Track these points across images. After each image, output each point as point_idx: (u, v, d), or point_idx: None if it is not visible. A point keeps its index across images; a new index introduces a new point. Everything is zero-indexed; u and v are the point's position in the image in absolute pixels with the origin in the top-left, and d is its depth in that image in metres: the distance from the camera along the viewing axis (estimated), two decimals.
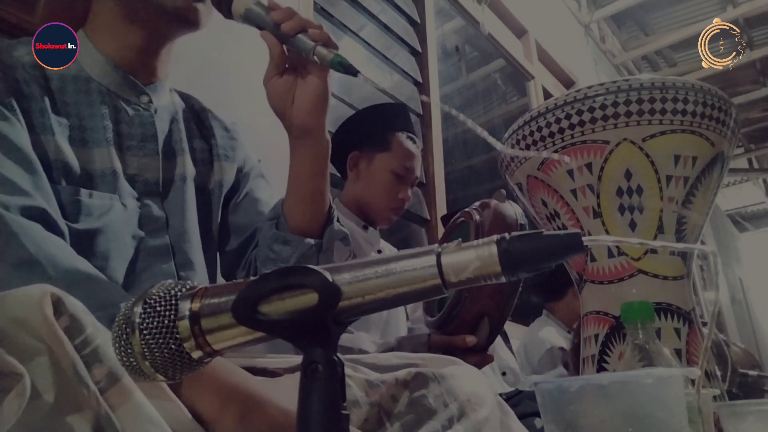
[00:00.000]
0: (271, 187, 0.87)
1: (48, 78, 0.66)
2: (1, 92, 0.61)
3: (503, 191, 1.06)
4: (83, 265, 0.55)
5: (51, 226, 0.58)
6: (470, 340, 0.97)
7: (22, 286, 0.45)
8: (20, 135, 0.60)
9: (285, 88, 0.68)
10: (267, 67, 0.68)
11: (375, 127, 1.34)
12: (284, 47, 0.66)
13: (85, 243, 0.62)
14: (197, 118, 0.82)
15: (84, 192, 0.63)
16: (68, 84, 0.68)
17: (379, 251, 1.39)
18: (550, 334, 1.98)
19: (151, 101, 0.74)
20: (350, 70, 0.61)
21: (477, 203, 1.06)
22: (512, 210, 1.01)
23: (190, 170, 0.76)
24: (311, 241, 0.73)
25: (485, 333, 0.98)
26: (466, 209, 1.08)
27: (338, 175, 1.43)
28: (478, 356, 1.00)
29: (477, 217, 1.02)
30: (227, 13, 0.67)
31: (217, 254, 0.83)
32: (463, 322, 0.99)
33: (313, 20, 1.70)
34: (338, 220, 0.77)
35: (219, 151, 0.81)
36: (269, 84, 0.69)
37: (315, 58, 0.63)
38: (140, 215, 0.68)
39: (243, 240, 0.81)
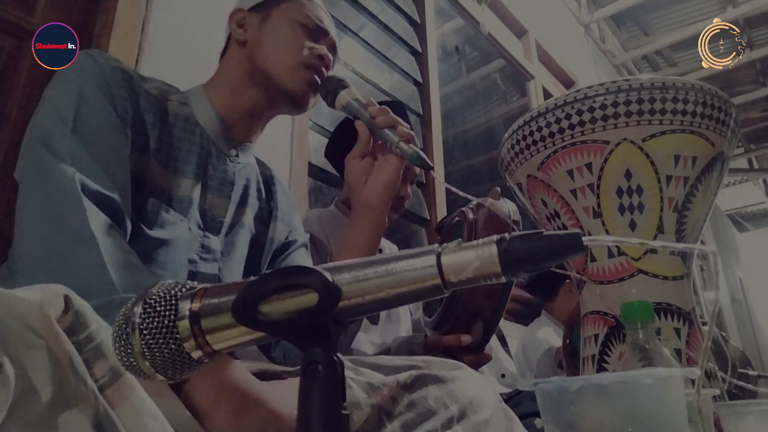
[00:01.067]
0: (310, 259, 0.99)
1: (165, 112, 0.78)
2: (123, 108, 0.71)
3: (498, 189, 1.06)
4: (132, 256, 0.60)
5: (118, 220, 0.64)
6: (465, 339, 0.98)
7: (77, 256, 0.54)
8: (122, 143, 0.70)
9: (363, 169, 0.83)
10: (353, 149, 0.83)
11: None
12: (372, 137, 0.81)
13: (151, 249, 0.69)
14: (266, 183, 0.94)
15: (164, 207, 0.73)
16: (179, 121, 0.79)
17: (380, 250, 1.39)
18: (548, 334, 1.98)
19: (237, 156, 0.85)
20: (425, 165, 0.75)
21: (473, 202, 1.06)
22: (506, 207, 1.01)
23: (250, 221, 0.86)
24: None
25: (480, 332, 0.99)
26: (462, 208, 1.08)
27: (338, 175, 1.44)
28: (474, 355, 1.00)
29: (471, 216, 1.02)
30: (331, 104, 0.83)
31: None
32: (458, 321, 0.99)
33: None
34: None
35: (278, 214, 0.92)
36: (351, 162, 0.83)
37: (397, 150, 0.77)
38: (201, 243, 0.77)
39: None
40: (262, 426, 0.49)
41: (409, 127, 0.80)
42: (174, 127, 0.78)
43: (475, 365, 1.01)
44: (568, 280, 1.95)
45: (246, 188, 0.87)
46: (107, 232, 0.59)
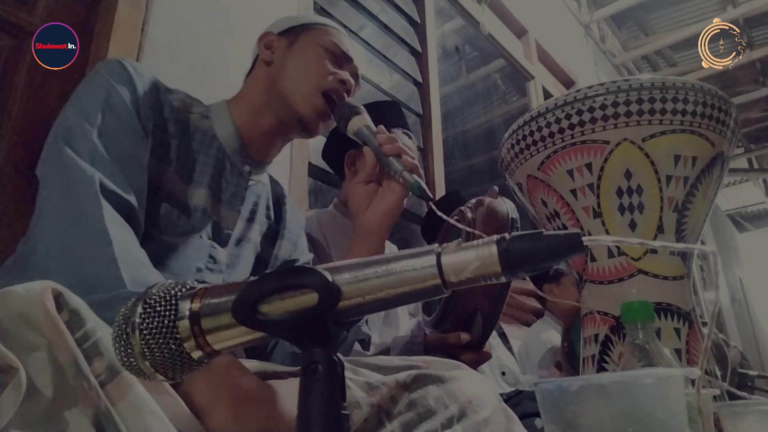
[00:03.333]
0: None
1: (186, 124, 0.81)
2: (146, 116, 0.74)
3: (496, 188, 1.06)
4: (142, 256, 0.61)
5: (132, 221, 0.66)
6: (464, 337, 0.98)
7: (90, 251, 0.57)
8: (142, 149, 0.73)
9: (366, 194, 0.85)
10: (359, 174, 0.86)
11: None
12: (378, 163, 0.83)
13: (162, 253, 0.71)
14: (277, 202, 0.96)
15: (177, 213, 0.75)
16: (198, 133, 0.82)
17: None
18: (551, 335, 1.98)
19: (251, 173, 0.88)
20: (425, 196, 0.76)
21: (472, 201, 1.06)
22: (504, 207, 1.01)
23: (256, 237, 0.88)
24: None
25: (479, 330, 0.99)
26: (461, 207, 1.09)
27: (337, 176, 1.44)
28: (474, 354, 1.00)
29: (469, 215, 1.02)
30: (343, 129, 0.85)
31: None
32: (457, 320, 0.99)
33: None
34: (366, 322, 0.88)
35: (285, 233, 0.94)
36: (356, 187, 0.85)
37: (400, 179, 0.79)
38: (209, 253, 0.79)
39: None
40: (261, 425, 0.49)
41: (415, 158, 0.83)
42: (193, 139, 0.81)
43: (475, 364, 1.01)
44: (564, 276, 1.94)
45: (255, 205, 0.89)
46: (121, 231, 0.61)
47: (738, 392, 0.78)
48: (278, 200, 0.97)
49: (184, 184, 0.78)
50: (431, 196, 0.77)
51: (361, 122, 0.84)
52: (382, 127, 0.85)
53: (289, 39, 0.90)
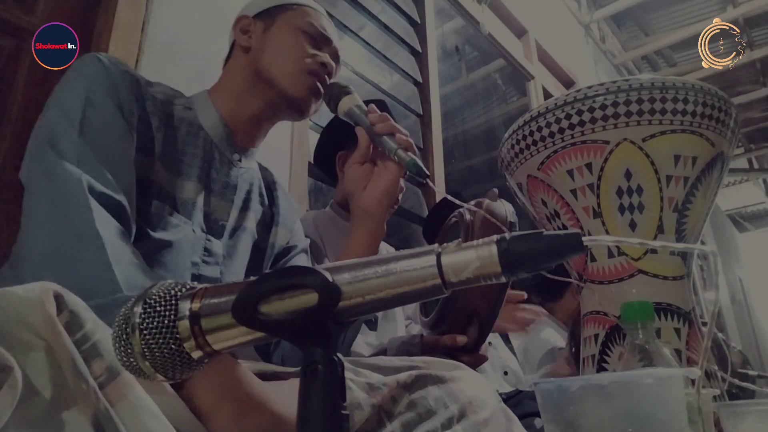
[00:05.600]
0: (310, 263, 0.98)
1: (170, 116, 0.79)
2: (129, 111, 0.72)
3: (495, 190, 1.06)
4: (136, 257, 0.60)
5: (123, 221, 0.64)
6: (461, 339, 0.98)
7: (82, 255, 0.56)
8: (128, 146, 0.71)
9: (362, 175, 0.83)
10: (353, 155, 0.84)
11: None
12: (371, 143, 0.82)
13: (155, 251, 0.70)
14: (269, 188, 0.95)
15: (168, 209, 0.73)
16: (183, 125, 0.80)
17: None
18: (549, 334, 1.98)
19: (240, 160, 0.86)
20: (421, 173, 0.76)
21: (472, 203, 1.06)
22: (503, 209, 1.01)
23: (252, 225, 0.87)
24: None
25: (475, 333, 0.99)
26: (460, 209, 1.08)
27: (329, 178, 1.43)
28: (470, 356, 1.00)
29: (468, 216, 1.02)
30: (333, 110, 0.83)
31: None
32: (454, 322, 0.99)
33: None
34: None
35: (280, 219, 0.92)
36: (350, 169, 0.84)
37: (395, 157, 0.78)
38: (204, 246, 0.77)
39: None
40: (264, 427, 0.49)
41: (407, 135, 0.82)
42: (178, 131, 0.79)
43: (471, 366, 1.01)
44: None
45: (248, 193, 0.87)
46: (113, 233, 0.59)
47: (742, 384, 0.78)
48: (269, 186, 0.95)
49: (173, 178, 0.76)
50: (427, 172, 0.77)
51: (352, 102, 0.83)
52: (372, 105, 0.84)
53: (265, 22, 0.87)
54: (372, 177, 0.83)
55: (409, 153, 0.78)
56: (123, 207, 0.65)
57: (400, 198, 1.37)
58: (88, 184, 0.61)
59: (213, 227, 0.80)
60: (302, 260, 0.96)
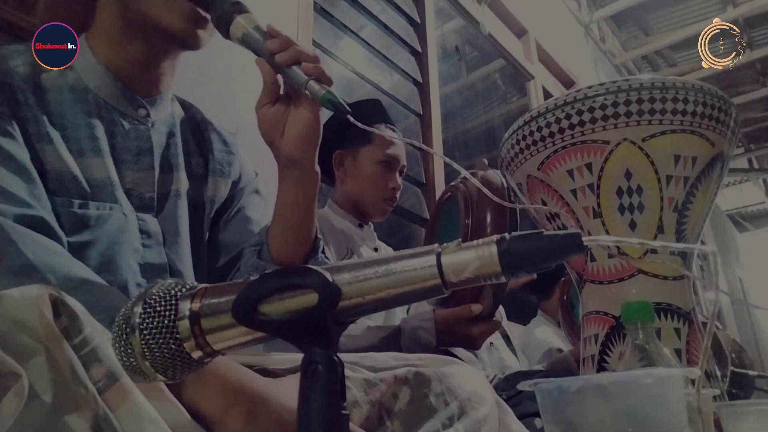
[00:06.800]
0: (266, 202, 0.84)
1: (44, 89, 0.66)
2: (5, 116, 0.60)
3: (485, 160, 1.06)
4: (81, 270, 0.55)
5: (50, 234, 0.57)
6: (475, 308, 0.97)
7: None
8: (16, 145, 0.60)
9: (276, 117, 0.66)
10: (260, 94, 0.66)
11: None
12: (278, 76, 0.64)
13: (85, 253, 0.62)
14: (196, 130, 0.81)
15: (76, 203, 0.63)
16: (65, 93, 0.67)
17: (376, 249, 1.39)
18: (546, 334, 1.98)
19: (148, 115, 0.73)
20: (339, 108, 0.60)
21: (461, 175, 1.05)
22: (498, 177, 1.01)
23: (184, 185, 0.75)
24: None
25: (489, 300, 0.98)
26: (451, 184, 1.08)
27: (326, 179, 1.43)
28: (485, 324, 1.00)
29: (463, 187, 1.02)
30: (225, 35, 0.65)
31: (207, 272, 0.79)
32: (465, 292, 0.98)
33: (312, 21, 1.68)
34: (323, 252, 0.76)
35: (215, 167, 0.80)
36: (260, 111, 0.67)
37: (307, 92, 0.61)
38: (139, 228, 0.68)
39: (230, 258, 0.78)
40: (277, 423, 0.49)
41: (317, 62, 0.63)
42: (61, 104, 0.66)
43: (487, 334, 1.00)
44: (563, 278, 1.95)
45: (168, 147, 0.75)
46: (47, 255, 0.53)
47: (740, 371, 0.78)
48: (198, 127, 0.81)
49: (73, 162, 0.64)
50: (347, 108, 0.61)
51: (248, 23, 0.63)
52: (272, 26, 0.65)
53: None
54: (288, 119, 0.66)
55: (324, 85, 0.61)
56: (43, 219, 0.58)
57: (398, 196, 1.37)
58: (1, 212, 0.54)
59: (140, 203, 0.69)
60: (253, 202, 0.83)
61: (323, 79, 0.62)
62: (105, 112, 0.69)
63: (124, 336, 0.33)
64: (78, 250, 0.61)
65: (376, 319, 1.24)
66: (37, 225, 0.57)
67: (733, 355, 1.58)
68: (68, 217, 0.62)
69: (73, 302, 0.42)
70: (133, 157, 0.70)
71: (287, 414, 0.49)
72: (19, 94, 0.63)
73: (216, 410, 0.48)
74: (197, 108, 0.83)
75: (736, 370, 1.49)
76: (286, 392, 0.51)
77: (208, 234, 0.79)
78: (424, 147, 0.64)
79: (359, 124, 0.60)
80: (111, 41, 0.71)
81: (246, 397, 0.49)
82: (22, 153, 0.60)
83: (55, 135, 0.64)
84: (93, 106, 0.68)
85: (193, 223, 0.76)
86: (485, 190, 0.65)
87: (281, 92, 0.66)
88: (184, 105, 0.82)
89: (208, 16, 0.67)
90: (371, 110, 1.38)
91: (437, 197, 2.16)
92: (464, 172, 0.66)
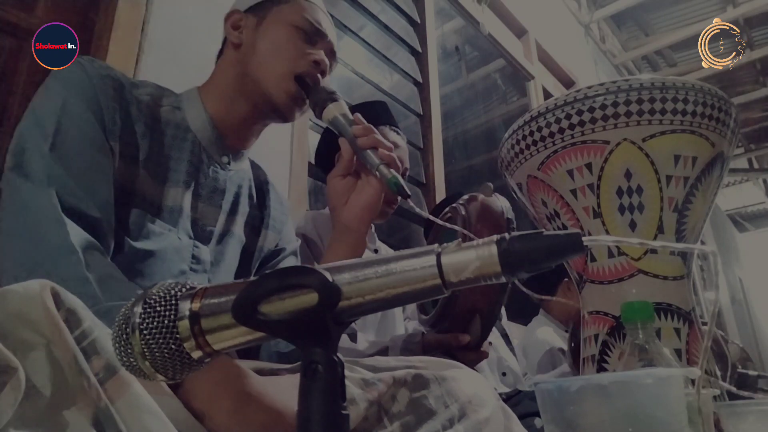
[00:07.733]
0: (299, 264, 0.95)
1: (156, 119, 0.76)
2: (111, 120, 0.69)
3: (490, 185, 1.06)
4: (114, 270, 0.60)
5: (99, 236, 0.63)
6: (463, 338, 0.97)
7: (59, 270, 0.55)
8: (105, 157, 0.68)
9: (344, 188, 0.80)
10: (335, 168, 0.81)
11: None
12: (355, 156, 0.77)
13: (138, 261, 0.68)
14: (260, 188, 0.92)
15: (149, 217, 0.71)
16: (170, 128, 0.77)
17: (376, 251, 1.39)
18: (547, 333, 1.98)
19: (229, 163, 0.83)
20: (402, 192, 0.71)
21: (464, 197, 1.06)
22: (499, 203, 1.00)
23: (240, 230, 0.85)
24: None
25: (477, 330, 0.98)
26: (453, 204, 1.08)
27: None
28: (473, 353, 1.00)
29: (463, 211, 1.02)
30: (318, 116, 0.78)
31: None
32: (455, 319, 0.99)
33: None
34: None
35: (270, 222, 0.90)
36: (332, 181, 0.81)
37: (377, 173, 0.73)
38: (192, 254, 0.75)
39: None
40: (262, 422, 0.49)
41: (393, 150, 0.77)
42: (165, 135, 0.76)
43: (474, 363, 1.01)
44: (566, 279, 1.95)
45: (237, 196, 0.85)
46: (87, 248, 0.58)
47: (744, 393, 0.78)
48: (261, 187, 0.92)
49: (157, 185, 0.73)
50: (408, 192, 0.72)
51: (338, 110, 0.77)
52: (358, 115, 0.79)
53: (257, 17, 0.83)
54: (354, 191, 0.80)
55: (392, 170, 0.73)
56: (98, 221, 0.63)
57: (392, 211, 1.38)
58: (60, 201, 0.60)
59: (200, 233, 0.77)
60: (291, 263, 0.93)
61: (393, 165, 0.74)
62: (197, 150, 0.79)
63: (124, 336, 0.33)
64: (143, 256, 0.69)
65: (368, 330, 1.24)
66: (90, 225, 0.62)
67: (739, 366, 1.58)
68: (140, 227, 0.70)
69: (71, 297, 0.43)
70: (207, 193, 0.80)
71: (273, 416, 0.50)
72: (134, 121, 0.73)
73: (204, 403, 0.48)
74: (263, 170, 0.95)
75: (740, 370, 1.49)
76: (281, 394, 0.52)
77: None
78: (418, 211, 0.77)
79: (424, 214, 0.75)
80: (222, 97, 0.82)
81: (234, 394, 0.49)
82: (106, 165, 0.68)
83: (148, 161, 0.73)
84: (189, 144, 0.78)
85: (241, 263, 0.85)
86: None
87: (353, 169, 0.80)
88: (254, 165, 0.93)
89: (307, 100, 0.80)
90: (375, 111, 1.38)
91: (437, 197, 2.16)
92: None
